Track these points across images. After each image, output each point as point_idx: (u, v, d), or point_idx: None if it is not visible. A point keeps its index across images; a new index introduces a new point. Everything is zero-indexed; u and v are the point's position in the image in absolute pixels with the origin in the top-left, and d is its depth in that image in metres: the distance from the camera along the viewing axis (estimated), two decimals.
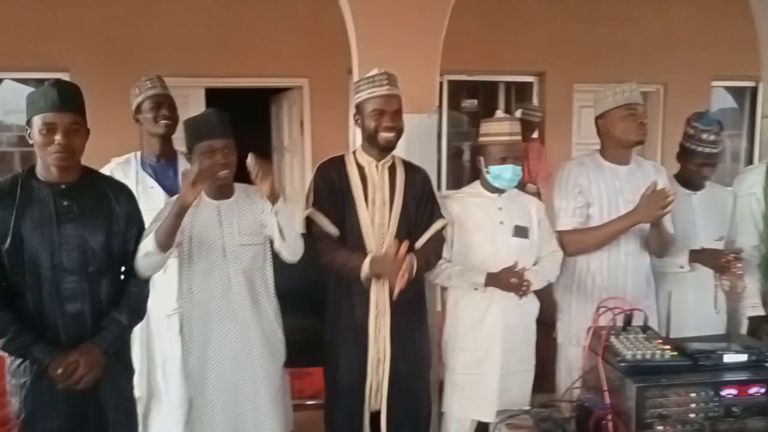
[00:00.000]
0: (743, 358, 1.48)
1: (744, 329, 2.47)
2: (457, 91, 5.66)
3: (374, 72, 2.05)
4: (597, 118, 2.28)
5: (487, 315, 2.17)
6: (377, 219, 2.06)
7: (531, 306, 2.23)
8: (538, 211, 2.27)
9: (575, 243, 2.23)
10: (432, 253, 2.12)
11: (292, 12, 4.82)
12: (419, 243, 2.10)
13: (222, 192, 1.97)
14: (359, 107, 2.07)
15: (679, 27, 5.30)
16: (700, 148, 2.41)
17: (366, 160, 2.10)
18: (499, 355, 2.15)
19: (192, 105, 4.45)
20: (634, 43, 5.22)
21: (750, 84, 5.79)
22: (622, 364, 1.50)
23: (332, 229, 2.05)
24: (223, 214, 1.95)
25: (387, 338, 2.05)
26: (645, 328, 1.70)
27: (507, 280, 2.05)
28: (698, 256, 2.40)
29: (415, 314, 2.15)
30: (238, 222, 1.96)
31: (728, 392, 1.43)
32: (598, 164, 2.28)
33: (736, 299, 2.47)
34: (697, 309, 2.39)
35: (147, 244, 1.75)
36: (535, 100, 5.46)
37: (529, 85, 5.58)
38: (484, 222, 2.19)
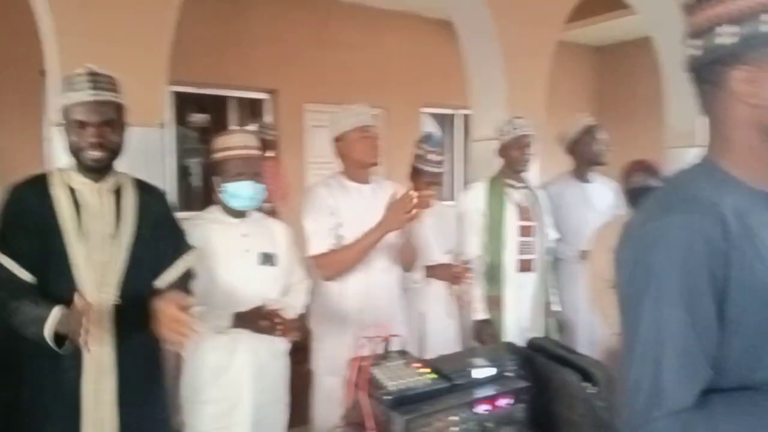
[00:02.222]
0: (491, 371, 1.55)
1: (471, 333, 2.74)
2: (185, 104, 5.23)
3: (76, 71, 1.62)
4: (335, 140, 2.25)
5: (235, 358, 1.92)
6: (97, 257, 1.62)
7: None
8: (285, 236, 2.12)
9: (331, 265, 2.15)
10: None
11: None
12: (164, 281, 1.72)
13: None
14: (64, 114, 1.63)
15: (395, 56, 5.84)
16: (427, 168, 2.60)
17: (79, 181, 1.64)
18: (250, 401, 1.92)
19: None
20: (359, 68, 5.55)
21: (450, 112, 6.71)
22: (387, 398, 1.42)
23: (24, 274, 1.55)
24: None
25: (111, 407, 1.63)
26: (403, 353, 1.68)
27: (257, 322, 1.83)
28: (433, 271, 2.57)
29: (149, 373, 1.77)
30: None
31: (481, 408, 1.47)
32: (343, 185, 2.25)
33: (467, 306, 2.72)
34: (437, 321, 2.55)
35: None
36: (269, 118, 5.38)
37: (262, 102, 5.48)
38: (227, 251, 1.94)
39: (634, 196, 2.57)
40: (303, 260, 2.17)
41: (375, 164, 2.25)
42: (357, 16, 5.59)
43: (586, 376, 1.55)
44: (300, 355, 2.25)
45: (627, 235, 0.90)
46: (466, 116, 6.45)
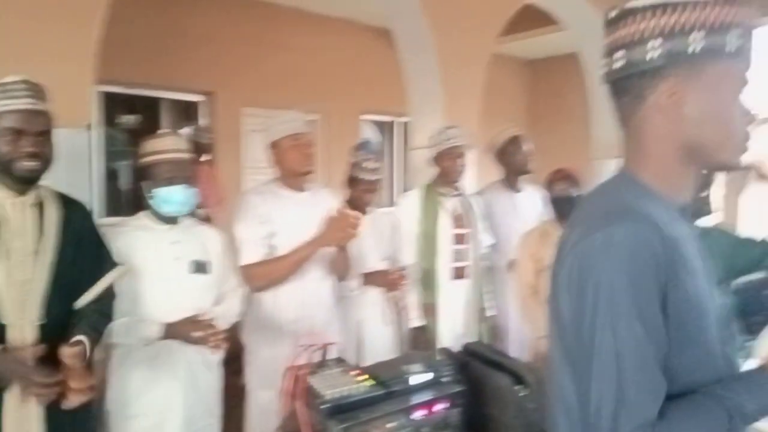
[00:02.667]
0: (427, 377, 1.57)
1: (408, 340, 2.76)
2: (115, 105, 5.01)
3: (10, 79, 1.53)
4: (269, 147, 2.22)
5: (164, 370, 1.84)
6: (18, 275, 1.51)
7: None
8: (219, 242, 2.06)
9: (263, 276, 2.10)
10: (100, 320, 1.66)
11: None
12: (82, 301, 1.62)
13: None
14: None
15: (335, 61, 5.83)
16: (364, 176, 2.60)
17: (0, 194, 1.55)
18: (180, 415, 1.86)
19: None
20: (299, 73, 5.51)
21: (389, 119, 6.77)
22: (324, 406, 1.42)
23: None
24: None
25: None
26: (339, 360, 1.68)
27: (188, 333, 1.77)
28: (370, 279, 2.58)
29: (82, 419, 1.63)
30: None
31: (418, 414, 1.49)
32: (277, 193, 2.21)
33: (403, 313, 2.74)
34: (374, 328, 2.55)
35: None
36: (204, 121, 5.24)
37: (197, 104, 5.33)
38: (155, 259, 1.87)
39: (557, 204, 2.68)
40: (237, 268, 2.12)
41: (308, 172, 2.23)
42: (298, 20, 5.55)
43: (518, 379, 1.60)
44: (234, 366, 2.20)
45: (567, 250, 0.88)
46: (405, 123, 6.53)
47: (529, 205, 3.22)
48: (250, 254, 2.10)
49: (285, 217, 2.16)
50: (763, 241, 1.90)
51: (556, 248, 0.97)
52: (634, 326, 0.78)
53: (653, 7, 0.84)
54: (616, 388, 0.78)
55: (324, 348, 1.64)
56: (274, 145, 2.20)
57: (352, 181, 2.65)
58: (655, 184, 0.90)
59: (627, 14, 0.87)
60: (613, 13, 0.90)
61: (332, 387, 1.47)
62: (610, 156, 4.71)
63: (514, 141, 3.20)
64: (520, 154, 3.19)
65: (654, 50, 0.84)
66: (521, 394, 1.57)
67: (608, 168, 4.12)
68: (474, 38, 3.84)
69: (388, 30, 3.88)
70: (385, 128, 6.91)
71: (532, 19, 4.98)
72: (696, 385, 0.84)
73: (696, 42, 0.83)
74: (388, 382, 1.52)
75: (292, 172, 2.20)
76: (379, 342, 2.61)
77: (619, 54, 0.89)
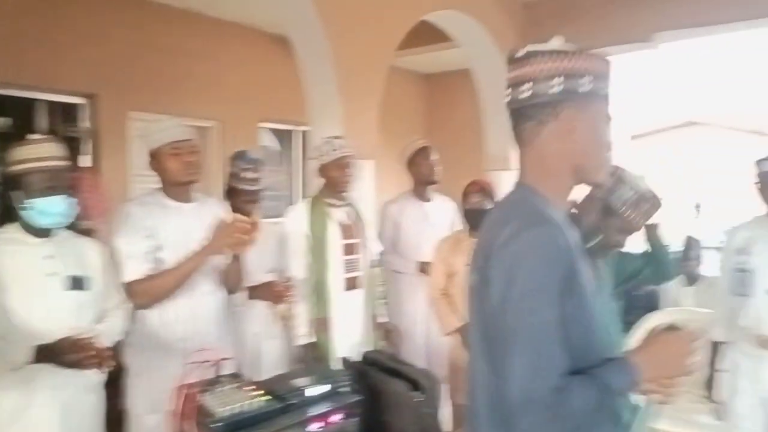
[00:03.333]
0: (324, 388, 1.55)
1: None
2: None
3: None
4: (150, 155, 2.11)
5: (35, 397, 1.68)
6: None
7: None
8: (100, 256, 1.91)
9: (148, 292, 1.97)
10: None
11: None
12: None
13: None
14: None
15: (232, 67, 5.66)
16: (242, 186, 2.54)
17: None
18: None
19: None
20: (192, 77, 5.28)
21: (289, 128, 6.69)
22: (215, 425, 1.35)
23: None
24: None
25: None
26: (234, 376, 1.61)
27: (62, 355, 1.62)
28: (255, 292, 2.50)
29: None
30: None
31: (314, 426, 1.46)
32: (161, 203, 2.09)
33: (291, 326, 2.66)
34: (264, 344, 2.49)
35: None
36: (85, 125, 4.87)
37: (77, 107, 4.94)
38: (27, 275, 1.70)
39: (470, 216, 2.85)
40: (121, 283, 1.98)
41: (192, 182, 2.12)
42: (191, 22, 5.32)
43: (415, 385, 1.63)
44: (113, 389, 2.04)
45: (497, 247, 1.03)
46: (304, 133, 6.48)
47: (439, 214, 3.37)
48: (134, 269, 1.96)
49: (171, 230, 2.04)
50: (644, 253, 2.10)
51: (477, 249, 1.13)
52: (551, 312, 0.97)
53: (556, 53, 1.06)
54: (534, 358, 0.96)
55: (217, 364, 1.57)
56: (154, 154, 2.08)
57: (232, 192, 2.58)
58: (552, 195, 1.10)
59: (533, 55, 1.07)
60: (520, 53, 1.09)
61: (225, 404, 1.42)
62: (501, 168, 4.97)
63: (422, 152, 3.34)
64: (427, 165, 3.33)
65: (557, 86, 1.06)
66: (417, 400, 1.60)
67: (500, 179, 4.34)
68: (372, 50, 3.90)
69: (286, 37, 3.84)
70: (285, 137, 6.81)
71: (429, 35, 5.14)
72: (591, 365, 1.02)
73: (585, 84, 1.06)
74: (284, 396, 1.49)
75: (174, 181, 2.08)
76: (269, 356, 2.55)
77: (526, 86, 1.08)
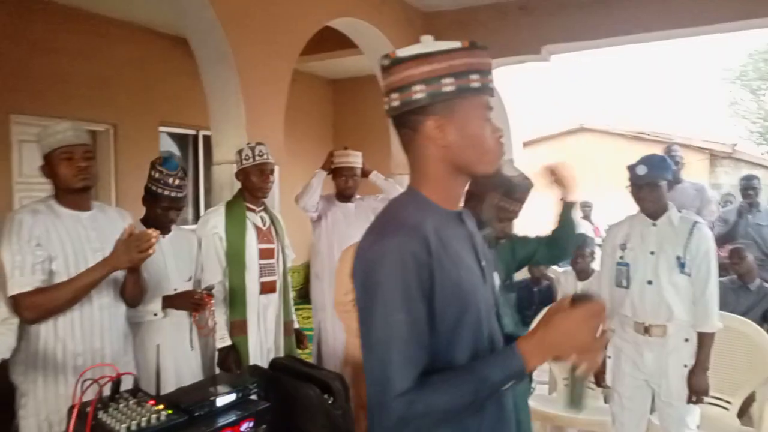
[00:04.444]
0: (233, 397, 1.52)
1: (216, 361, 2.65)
2: None
3: None
4: (42, 160, 1.98)
5: None
6: None
7: None
8: None
9: (40, 306, 1.82)
10: None
11: None
12: None
13: None
14: None
15: (125, 68, 5.36)
16: (166, 192, 2.44)
17: None
18: None
19: None
20: (81, 78, 4.95)
21: (192, 132, 6.44)
22: None
23: None
24: None
25: None
26: (135, 391, 1.54)
27: None
28: (171, 301, 2.42)
29: None
30: None
31: None
32: (55, 212, 1.95)
33: (209, 334, 2.61)
34: (180, 354, 2.40)
35: None
36: None
37: None
38: None
39: None
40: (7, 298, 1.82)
41: (85, 188, 1.99)
42: (76, 21, 4.96)
43: (326, 388, 1.64)
44: (9, 411, 1.89)
45: (357, 257, 1.06)
46: (207, 137, 6.27)
47: (362, 217, 3.44)
48: (23, 281, 1.81)
49: (66, 239, 1.92)
50: (536, 237, 2.23)
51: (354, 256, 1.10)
52: (401, 316, 0.98)
53: (415, 57, 1.05)
54: (383, 365, 0.98)
55: (115, 380, 1.49)
56: (46, 159, 1.96)
57: (153, 198, 2.46)
58: (434, 197, 1.12)
59: (396, 62, 1.07)
60: (385, 62, 1.09)
61: (126, 420, 1.36)
62: (406, 172, 5.09)
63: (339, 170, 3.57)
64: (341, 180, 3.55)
65: (419, 93, 1.05)
66: (328, 403, 1.61)
67: (405, 182, 4.45)
68: (275, 54, 3.86)
69: (186, 39, 3.70)
70: (187, 142, 6.55)
71: (336, 41, 5.17)
72: (462, 359, 1.04)
73: (447, 85, 1.05)
74: (190, 408, 1.45)
75: (67, 187, 1.96)
76: (184, 368, 2.46)
77: (394, 96, 1.08)
